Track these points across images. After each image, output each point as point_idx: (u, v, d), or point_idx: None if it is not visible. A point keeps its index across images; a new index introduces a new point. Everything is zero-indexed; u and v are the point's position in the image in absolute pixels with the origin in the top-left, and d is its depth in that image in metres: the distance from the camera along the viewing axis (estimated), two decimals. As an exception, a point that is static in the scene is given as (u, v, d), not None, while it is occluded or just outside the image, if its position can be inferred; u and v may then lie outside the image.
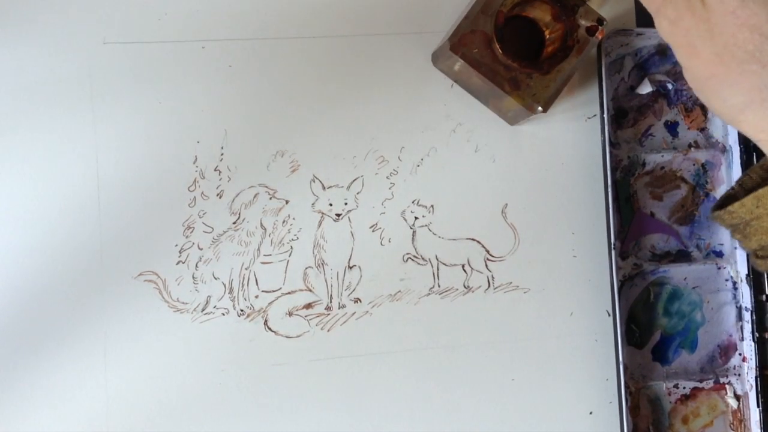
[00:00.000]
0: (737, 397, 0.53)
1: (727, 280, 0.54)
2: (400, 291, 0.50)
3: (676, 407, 0.53)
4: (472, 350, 0.51)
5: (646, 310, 0.53)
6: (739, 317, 0.53)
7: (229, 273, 0.49)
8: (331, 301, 0.50)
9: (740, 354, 0.53)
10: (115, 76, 0.48)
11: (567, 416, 0.51)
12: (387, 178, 0.51)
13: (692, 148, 0.54)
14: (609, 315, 0.52)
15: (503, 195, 0.52)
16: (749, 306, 0.52)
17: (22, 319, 0.46)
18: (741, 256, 0.53)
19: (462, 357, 0.51)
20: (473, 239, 0.51)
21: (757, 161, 0.52)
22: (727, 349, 0.54)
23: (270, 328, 0.49)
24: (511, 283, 0.52)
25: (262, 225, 0.49)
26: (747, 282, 0.53)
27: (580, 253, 0.52)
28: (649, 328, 0.53)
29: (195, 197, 0.49)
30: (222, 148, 0.49)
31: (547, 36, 0.49)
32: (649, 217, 0.53)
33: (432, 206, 0.51)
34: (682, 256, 0.53)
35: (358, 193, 0.50)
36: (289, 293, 0.49)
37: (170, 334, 0.48)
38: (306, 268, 0.50)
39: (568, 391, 0.51)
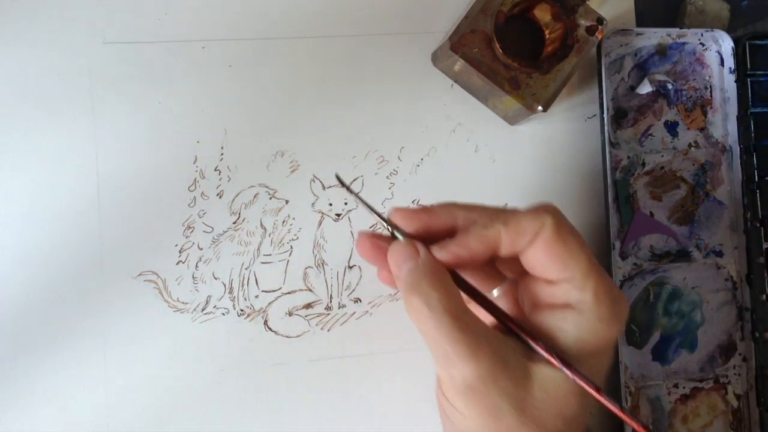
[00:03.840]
0: (737, 397, 0.53)
1: (726, 280, 0.54)
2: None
3: (676, 407, 0.53)
4: (472, 350, 0.51)
5: (646, 310, 0.53)
6: (739, 317, 0.53)
7: (229, 273, 0.49)
8: (331, 301, 0.50)
9: (740, 354, 0.53)
10: (115, 76, 0.48)
11: (567, 416, 0.51)
12: (387, 178, 0.51)
13: (692, 148, 0.54)
14: (609, 315, 0.52)
15: (503, 195, 0.52)
16: (749, 306, 0.52)
17: (22, 319, 0.46)
18: (741, 256, 0.53)
19: (462, 357, 0.50)
20: (473, 239, 0.51)
21: (758, 161, 0.53)
22: (727, 349, 0.54)
23: (270, 328, 0.49)
24: (511, 283, 0.51)
25: (262, 225, 0.49)
26: (747, 282, 0.53)
27: (580, 253, 0.52)
28: (649, 328, 0.53)
29: (195, 197, 0.49)
30: (222, 148, 0.49)
31: (547, 36, 0.49)
32: (648, 217, 0.53)
33: (432, 206, 0.51)
34: (682, 256, 0.53)
35: (358, 193, 0.50)
36: (289, 293, 0.49)
37: (170, 334, 0.48)
38: (306, 268, 0.50)
39: (568, 391, 0.51)
